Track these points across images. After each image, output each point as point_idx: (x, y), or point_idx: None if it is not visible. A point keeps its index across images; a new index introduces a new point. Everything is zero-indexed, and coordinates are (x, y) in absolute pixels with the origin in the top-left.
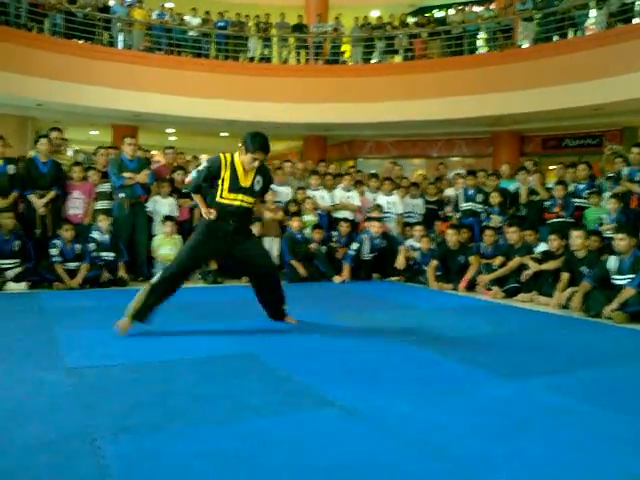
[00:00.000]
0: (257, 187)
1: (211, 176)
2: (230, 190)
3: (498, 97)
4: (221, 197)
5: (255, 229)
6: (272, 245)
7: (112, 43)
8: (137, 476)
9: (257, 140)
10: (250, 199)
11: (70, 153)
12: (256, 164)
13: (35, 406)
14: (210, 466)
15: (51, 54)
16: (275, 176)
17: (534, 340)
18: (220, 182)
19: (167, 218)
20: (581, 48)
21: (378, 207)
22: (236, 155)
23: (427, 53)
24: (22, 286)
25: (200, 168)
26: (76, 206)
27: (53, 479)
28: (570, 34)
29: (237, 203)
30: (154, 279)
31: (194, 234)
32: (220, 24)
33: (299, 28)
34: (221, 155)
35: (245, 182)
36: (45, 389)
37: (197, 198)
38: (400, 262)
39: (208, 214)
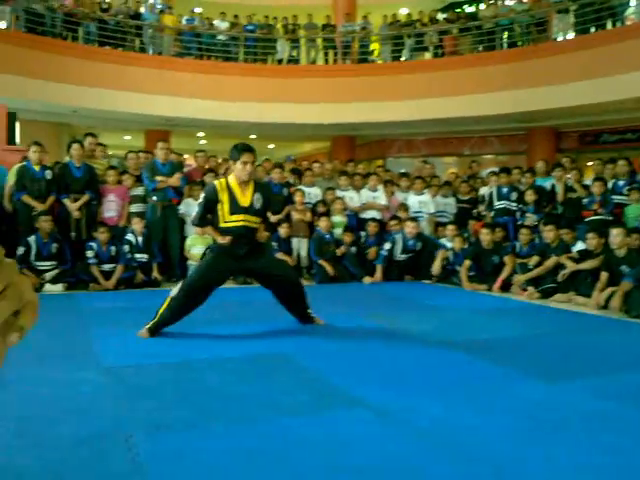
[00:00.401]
0: (257, 205)
1: (210, 205)
2: (231, 212)
3: (533, 92)
4: (225, 222)
5: (282, 230)
6: (301, 245)
7: (143, 49)
8: (170, 473)
9: (238, 146)
10: (254, 218)
11: (104, 160)
12: (249, 167)
13: (72, 404)
14: (242, 464)
15: (85, 62)
16: (304, 177)
17: (571, 342)
18: (220, 207)
19: None
20: (620, 39)
21: (403, 206)
22: (230, 178)
23: (458, 49)
24: (59, 287)
25: (200, 201)
26: (111, 209)
27: (88, 475)
28: (609, 25)
29: (241, 224)
30: (173, 292)
31: (207, 254)
32: (248, 27)
33: (327, 28)
34: (215, 182)
35: (244, 201)
36: (81, 388)
37: (207, 230)
38: (436, 268)
39: (223, 241)
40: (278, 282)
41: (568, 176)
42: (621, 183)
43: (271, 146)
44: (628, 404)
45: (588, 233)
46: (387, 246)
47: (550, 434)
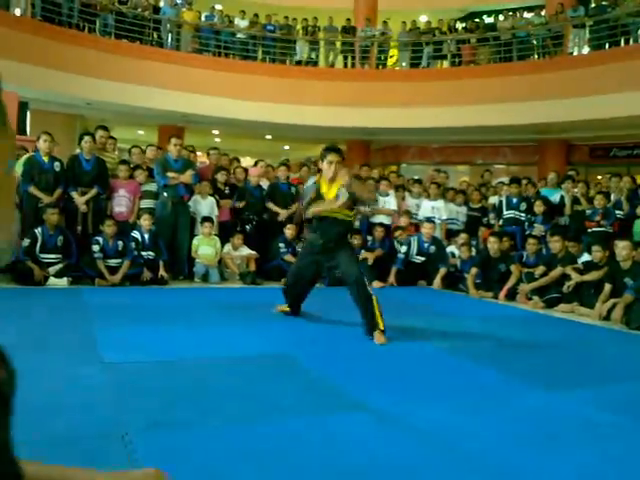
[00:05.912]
0: (341, 197)
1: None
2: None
3: (547, 104)
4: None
5: (288, 232)
6: None
7: (161, 44)
8: (166, 471)
9: (325, 148)
10: (337, 209)
11: (115, 154)
12: (333, 167)
13: (69, 399)
14: (240, 465)
15: (101, 54)
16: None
17: (573, 351)
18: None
19: (205, 219)
20: (632, 57)
21: (407, 213)
22: (319, 177)
23: (475, 59)
24: (64, 281)
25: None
26: (122, 204)
27: None
28: (623, 42)
29: (325, 214)
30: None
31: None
32: (268, 27)
33: (347, 31)
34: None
35: (329, 195)
36: (80, 383)
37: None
38: (437, 284)
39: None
40: (344, 280)
41: (575, 190)
42: (622, 198)
43: (286, 147)
44: (627, 414)
45: (594, 245)
46: (403, 249)
47: (549, 441)
